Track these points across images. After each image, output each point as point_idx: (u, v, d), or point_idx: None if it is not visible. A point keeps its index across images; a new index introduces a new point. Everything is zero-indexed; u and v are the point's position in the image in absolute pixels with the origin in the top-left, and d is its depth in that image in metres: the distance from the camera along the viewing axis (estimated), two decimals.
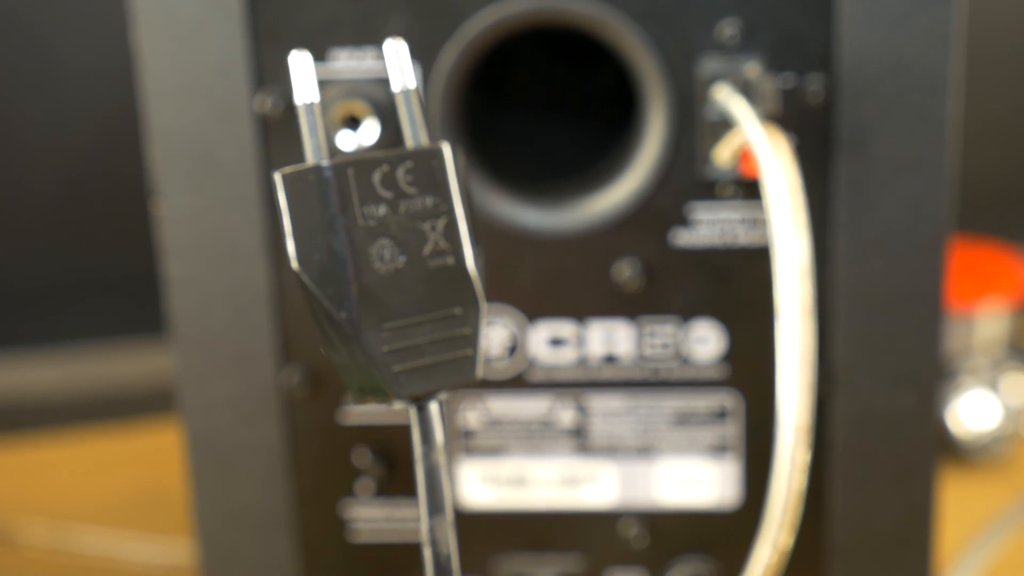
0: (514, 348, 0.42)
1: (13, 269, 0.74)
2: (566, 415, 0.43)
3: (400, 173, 0.32)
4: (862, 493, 0.42)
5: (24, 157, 0.72)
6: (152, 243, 0.47)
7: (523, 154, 0.45)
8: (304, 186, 0.31)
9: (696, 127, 0.40)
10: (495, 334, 0.42)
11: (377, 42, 0.40)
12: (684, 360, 0.42)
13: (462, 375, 0.32)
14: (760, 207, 0.40)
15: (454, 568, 0.32)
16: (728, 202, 0.41)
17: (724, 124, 0.39)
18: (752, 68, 0.38)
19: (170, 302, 0.42)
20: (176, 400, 0.43)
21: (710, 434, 0.43)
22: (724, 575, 0.44)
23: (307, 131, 0.32)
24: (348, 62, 0.40)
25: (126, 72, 0.58)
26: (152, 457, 0.69)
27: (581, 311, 0.42)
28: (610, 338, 0.42)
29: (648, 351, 0.42)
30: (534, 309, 0.42)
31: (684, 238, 0.41)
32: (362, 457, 0.43)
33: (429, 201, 0.32)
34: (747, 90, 0.38)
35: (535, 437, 0.43)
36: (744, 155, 0.39)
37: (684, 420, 0.43)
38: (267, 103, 0.40)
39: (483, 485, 0.44)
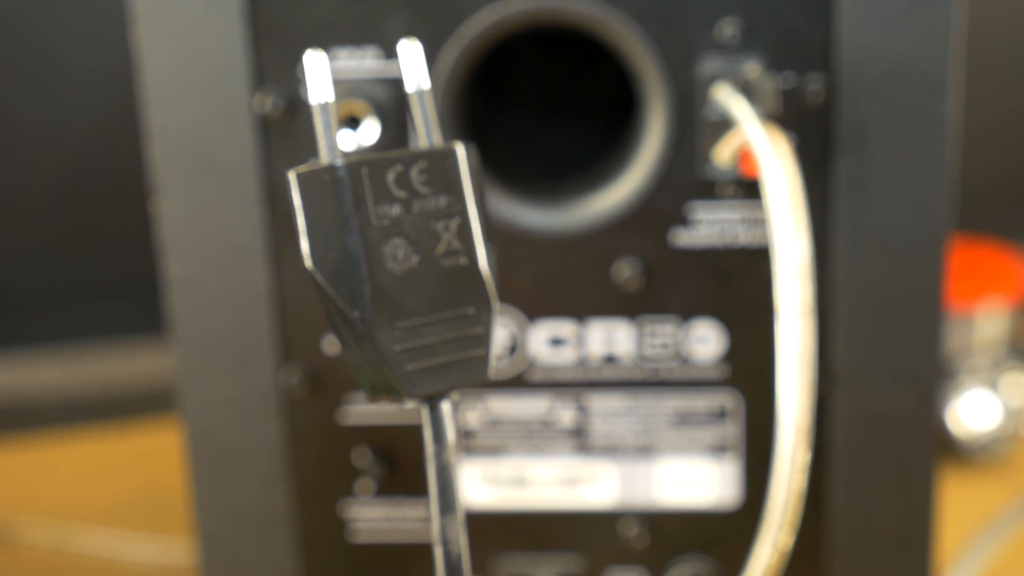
0: (514, 348, 0.42)
1: (13, 269, 0.74)
2: (566, 415, 0.43)
3: (414, 173, 0.32)
4: (862, 493, 0.42)
5: (23, 157, 0.72)
6: (152, 243, 0.47)
7: (523, 154, 0.45)
8: (318, 185, 0.31)
9: (696, 127, 0.40)
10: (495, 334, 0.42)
11: (377, 42, 0.40)
12: (684, 360, 0.42)
13: (474, 375, 0.32)
14: (760, 207, 0.40)
15: (465, 568, 0.32)
16: (728, 202, 0.41)
17: (724, 124, 0.39)
18: (752, 68, 0.38)
19: (170, 302, 0.42)
20: (176, 400, 0.43)
21: (710, 434, 0.43)
22: (724, 575, 0.44)
23: (321, 130, 0.32)
24: (348, 62, 0.40)
25: (126, 72, 0.59)
26: (152, 457, 0.69)
27: (581, 311, 0.42)
28: (610, 338, 0.42)
29: (648, 351, 0.42)
30: (534, 309, 0.42)
31: (684, 238, 0.41)
32: (362, 457, 0.43)
33: (443, 201, 0.32)
34: (747, 90, 0.38)
35: (535, 437, 0.43)
36: (744, 155, 0.39)
37: (684, 420, 0.43)
38: (267, 103, 0.40)
39: (483, 485, 0.44)
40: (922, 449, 0.42)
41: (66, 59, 0.71)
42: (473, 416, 0.43)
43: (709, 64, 0.39)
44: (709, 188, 0.40)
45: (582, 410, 0.43)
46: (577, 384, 0.43)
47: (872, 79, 0.39)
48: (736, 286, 0.41)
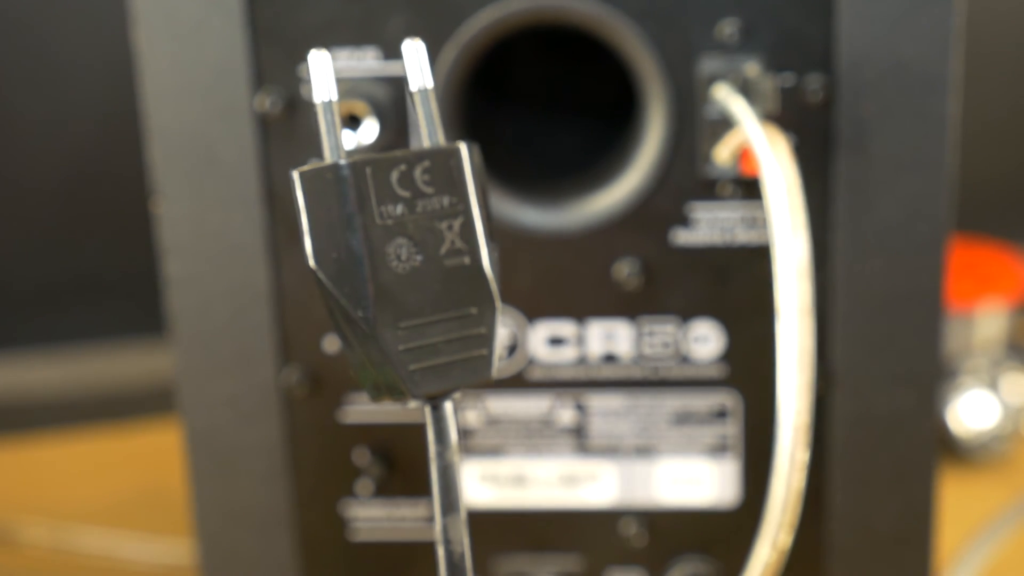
0: (514, 347, 0.42)
1: (13, 269, 0.74)
2: (566, 414, 0.43)
3: (417, 172, 0.32)
4: (862, 493, 0.42)
5: (24, 156, 0.72)
6: (152, 243, 0.47)
7: (523, 154, 0.45)
8: (322, 184, 0.31)
9: (696, 126, 0.40)
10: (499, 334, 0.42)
11: (377, 42, 0.40)
12: (684, 359, 0.42)
13: (477, 374, 0.32)
14: (760, 206, 0.40)
15: (467, 567, 0.32)
16: (728, 201, 0.41)
17: (724, 123, 0.39)
18: (752, 68, 0.38)
19: (170, 302, 0.42)
20: (176, 400, 0.43)
21: (709, 434, 0.43)
22: (724, 575, 0.44)
23: (325, 129, 0.32)
24: (348, 62, 0.40)
25: (126, 72, 0.59)
26: (152, 457, 0.69)
27: (581, 310, 0.42)
28: (610, 337, 0.42)
29: (648, 350, 0.42)
30: (534, 308, 0.42)
31: (684, 237, 0.41)
32: (362, 456, 0.43)
33: (446, 200, 0.32)
34: (747, 90, 0.38)
35: (535, 436, 0.43)
36: (744, 154, 0.39)
37: (684, 419, 0.43)
38: (267, 102, 0.40)
39: (482, 485, 0.44)
40: (922, 449, 0.42)
41: (66, 59, 0.71)
42: (473, 415, 0.43)
43: (709, 64, 0.39)
44: (709, 188, 0.40)
45: (582, 410, 0.43)
46: (577, 384, 0.43)
47: (872, 79, 0.39)
48: (736, 286, 0.41)
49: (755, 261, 0.41)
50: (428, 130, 0.33)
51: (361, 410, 0.43)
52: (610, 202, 0.41)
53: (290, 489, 0.43)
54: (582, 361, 0.42)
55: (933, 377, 0.41)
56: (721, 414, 0.43)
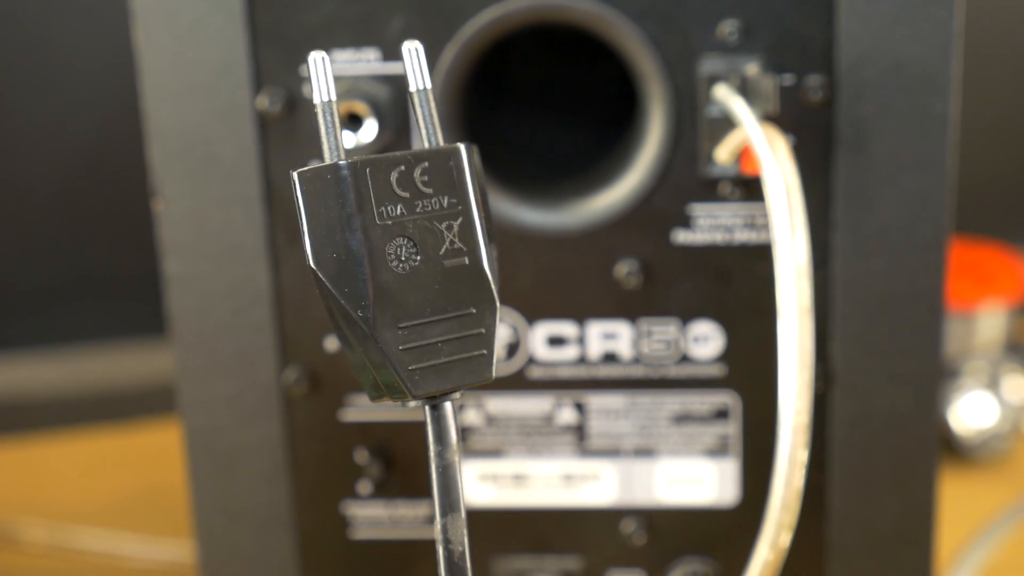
0: (514, 347, 0.43)
1: (13, 269, 0.74)
2: (566, 414, 0.43)
3: (417, 173, 0.32)
4: (862, 492, 0.42)
5: (24, 157, 0.72)
6: (152, 243, 0.47)
7: (523, 154, 0.45)
8: (321, 185, 0.31)
9: (696, 126, 0.40)
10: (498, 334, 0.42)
11: (377, 42, 0.40)
12: (684, 359, 0.42)
13: (477, 374, 0.32)
14: (760, 207, 0.40)
15: (467, 567, 0.32)
16: (728, 201, 0.41)
17: (724, 124, 0.39)
18: (752, 68, 0.38)
19: (170, 301, 0.42)
20: (176, 400, 0.43)
21: (709, 434, 0.43)
22: (724, 574, 0.44)
23: (324, 130, 0.32)
24: (348, 62, 0.40)
25: (126, 72, 0.59)
26: (152, 457, 0.69)
27: (581, 310, 0.42)
28: (610, 337, 0.42)
29: (648, 350, 0.42)
30: (534, 308, 0.42)
31: (684, 237, 0.41)
32: (362, 456, 0.43)
33: (445, 201, 0.32)
34: (747, 90, 0.38)
35: (535, 436, 0.43)
36: (744, 154, 0.39)
37: (683, 419, 0.43)
38: (267, 102, 0.40)
39: (482, 484, 0.44)
40: (922, 449, 0.42)
41: (66, 59, 0.71)
42: (472, 415, 0.43)
43: (709, 64, 0.39)
44: (709, 188, 0.40)
45: (582, 409, 0.43)
46: (577, 383, 0.43)
47: (872, 79, 0.39)
48: (736, 286, 0.41)
49: (755, 261, 0.41)
50: (427, 131, 0.33)
51: (361, 410, 0.43)
52: (610, 202, 0.41)
53: (290, 489, 0.43)
54: (582, 361, 0.43)
55: (933, 377, 0.41)
56: (721, 414, 0.43)
